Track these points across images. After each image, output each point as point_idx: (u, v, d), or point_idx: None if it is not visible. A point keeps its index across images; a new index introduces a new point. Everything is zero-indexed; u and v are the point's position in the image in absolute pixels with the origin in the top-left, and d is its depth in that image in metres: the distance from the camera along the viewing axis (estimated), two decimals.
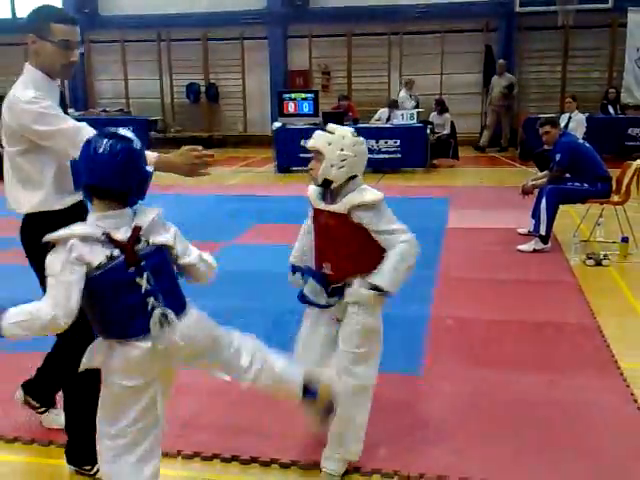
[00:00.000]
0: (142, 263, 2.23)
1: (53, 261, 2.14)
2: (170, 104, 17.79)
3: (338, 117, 12.53)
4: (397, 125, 12.45)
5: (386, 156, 12.13)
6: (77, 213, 2.59)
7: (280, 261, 6.27)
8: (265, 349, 2.56)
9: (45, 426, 3.37)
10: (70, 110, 16.85)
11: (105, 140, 2.21)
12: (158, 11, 16.62)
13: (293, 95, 13.02)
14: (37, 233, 2.26)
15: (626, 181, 6.55)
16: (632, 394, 3.54)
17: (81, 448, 2.92)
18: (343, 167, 2.87)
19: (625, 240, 6.22)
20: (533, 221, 6.73)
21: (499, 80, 14.50)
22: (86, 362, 2.28)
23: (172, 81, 17.59)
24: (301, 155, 12.44)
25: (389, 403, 3.51)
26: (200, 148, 3.03)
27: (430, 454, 3.07)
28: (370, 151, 12.00)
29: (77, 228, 2.19)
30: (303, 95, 13.01)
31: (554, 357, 4.10)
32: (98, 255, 2.15)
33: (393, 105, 13.17)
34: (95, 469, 2.86)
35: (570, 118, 10.24)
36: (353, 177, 2.93)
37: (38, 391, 3.30)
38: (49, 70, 2.79)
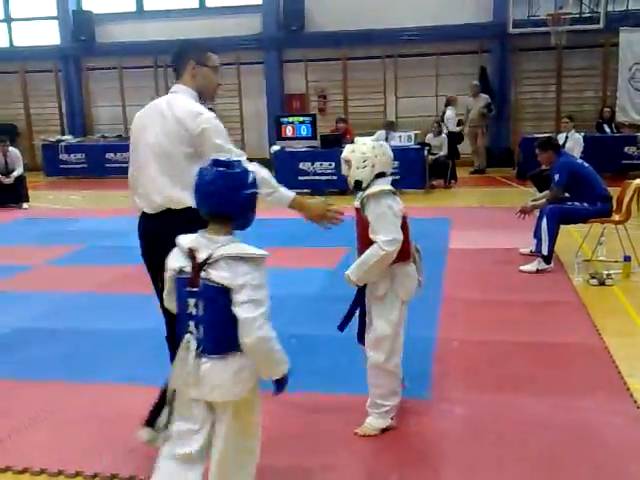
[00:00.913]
0: (197, 289, 2.35)
1: None
2: None
3: (336, 139, 12.62)
4: (395, 147, 12.47)
5: None
6: None
7: (285, 284, 6.31)
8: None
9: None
10: (68, 136, 17.07)
11: (208, 167, 2.41)
12: (154, 37, 16.76)
13: (291, 119, 13.10)
14: (188, 228, 2.50)
15: (626, 200, 6.58)
16: None
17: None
18: (366, 167, 3.41)
19: (628, 259, 6.24)
20: (535, 241, 6.76)
21: (475, 102, 14.45)
22: None
23: None
24: (300, 178, 12.52)
25: (399, 427, 3.50)
26: (335, 206, 3.43)
27: (443, 478, 3.06)
28: None
29: (180, 237, 2.47)
30: (301, 118, 13.09)
31: (562, 378, 4.09)
32: (177, 263, 2.42)
33: (389, 126, 13.25)
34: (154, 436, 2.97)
35: (567, 138, 10.32)
36: (380, 175, 3.44)
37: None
38: (204, 90, 3.27)
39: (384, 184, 3.40)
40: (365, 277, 3.38)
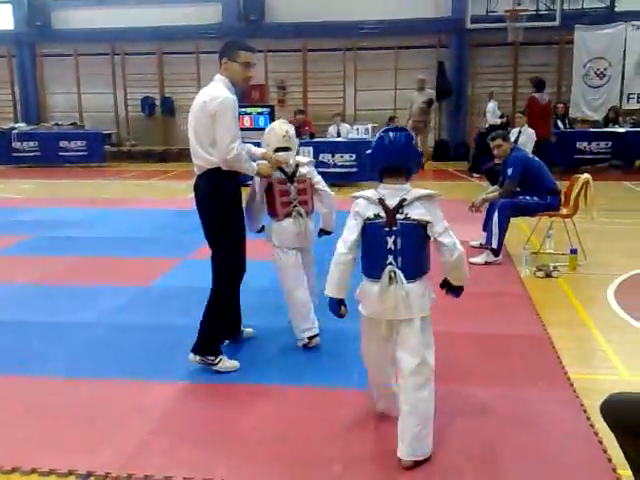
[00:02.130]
0: (395, 228, 3.01)
1: (349, 216, 3.18)
2: (125, 118, 17.63)
3: (295, 131, 12.58)
4: (352, 140, 12.55)
5: (342, 170, 12.22)
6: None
7: (262, 276, 6.25)
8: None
9: (222, 371, 4.08)
10: (21, 124, 16.72)
11: (384, 134, 3.11)
12: (112, 24, 16.52)
13: (249, 109, 13.03)
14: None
15: (574, 194, 6.71)
16: (582, 405, 3.61)
17: (208, 342, 4.09)
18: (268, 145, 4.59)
19: (574, 252, 6.37)
20: (485, 234, 6.86)
21: (419, 96, 14.47)
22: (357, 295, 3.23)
23: (126, 94, 17.45)
24: None
25: (346, 418, 3.53)
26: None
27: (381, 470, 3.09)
28: (326, 165, 12.12)
29: (365, 192, 3.13)
30: (259, 109, 13.05)
31: (505, 368, 4.17)
32: (370, 211, 3.07)
33: (338, 116, 13.37)
34: (217, 360, 4.08)
35: (520, 132, 10.46)
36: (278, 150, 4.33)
37: (205, 347, 4.10)
38: (234, 81, 4.09)
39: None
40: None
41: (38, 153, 15.93)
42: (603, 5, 14.96)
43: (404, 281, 3.01)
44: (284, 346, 4.57)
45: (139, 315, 5.23)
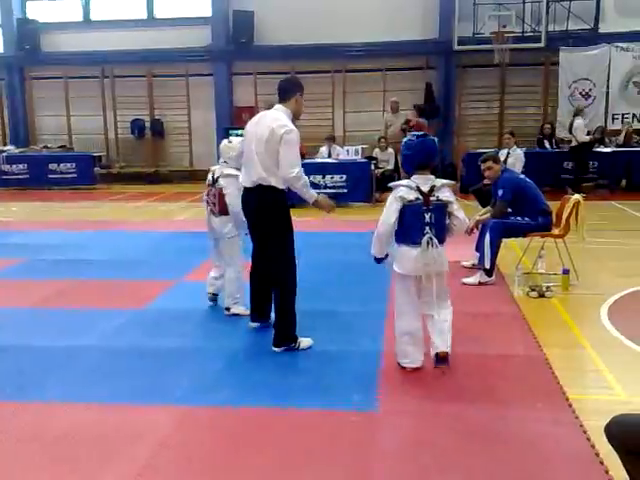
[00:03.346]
0: (431, 206, 4.20)
1: (389, 199, 4.29)
2: (114, 140, 17.65)
3: None
4: (342, 161, 12.63)
5: (332, 191, 12.24)
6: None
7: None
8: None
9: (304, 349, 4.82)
10: (10, 147, 16.68)
11: (423, 139, 4.33)
12: (101, 47, 16.59)
13: (240, 132, 13.04)
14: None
15: (565, 215, 6.77)
16: (581, 425, 3.63)
17: (287, 332, 4.79)
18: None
19: (566, 272, 6.42)
20: (477, 254, 6.90)
21: (395, 118, 14.46)
22: (388, 262, 4.40)
23: (116, 117, 17.48)
24: None
25: (347, 441, 3.53)
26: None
27: None
28: (316, 186, 12.15)
29: (403, 181, 4.30)
30: None
31: (503, 389, 4.18)
32: (411, 195, 4.19)
33: (330, 139, 13.39)
34: (297, 343, 4.81)
35: (509, 153, 10.57)
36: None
37: (286, 337, 4.80)
38: (297, 114, 4.84)
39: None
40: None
41: (27, 176, 15.91)
42: (587, 27, 15.20)
43: (439, 245, 4.20)
44: (282, 367, 4.57)
45: (135, 338, 5.21)
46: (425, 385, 4.28)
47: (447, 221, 4.33)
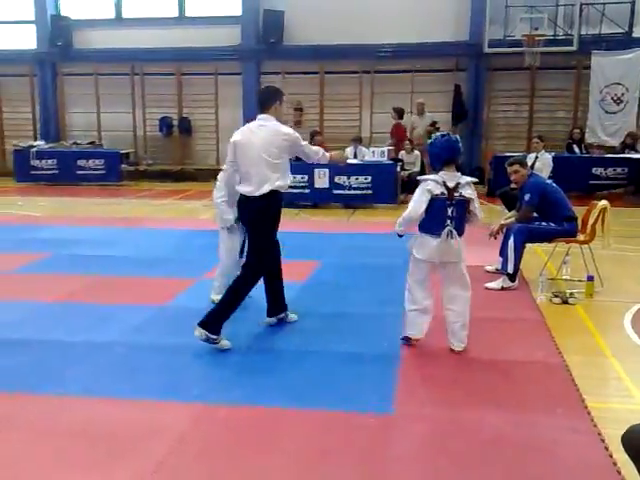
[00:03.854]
0: (454, 201, 4.57)
1: (417, 191, 4.64)
2: (142, 137, 17.80)
3: None
4: (368, 162, 12.61)
5: (357, 192, 12.26)
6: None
7: (255, 296, 6.31)
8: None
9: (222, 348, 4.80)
10: (40, 142, 16.92)
11: (448, 137, 4.74)
12: (132, 45, 16.73)
13: None
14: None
15: (591, 221, 6.69)
16: (599, 434, 3.58)
17: (217, 320, 4.79)
18: None
19: (591, 279, 6.34)
20: (501, 259, 6.84)
21: (420, 120, 14.45)
22: (409, 246, 4.80)
23: (145, 114, 17.62)
24: None
25: (362, 443, 3.52)
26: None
27: None
28: (341, 187, 12.17)
29: (431, 176, 4.65)
30: None
31: (523, 396, 4.14)
32: (437, 190, 4.57)
33: (357, 140, 13.36)
34: (219, 339, 4.79)
35: (537, 158, 10.47)
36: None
37: (212, 325, 4.78)
38: (278, 120, 5.02)
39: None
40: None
41: (56, 171, 16.12)
42: (621, 31, 14.97)
43: (457, 237, 4.60)
44: (299, 368, 4.57)
45: (155, 335, 5.25)
46: (442, 389, 4.26)
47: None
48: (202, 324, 4.77)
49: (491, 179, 13.48)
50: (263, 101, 5.01)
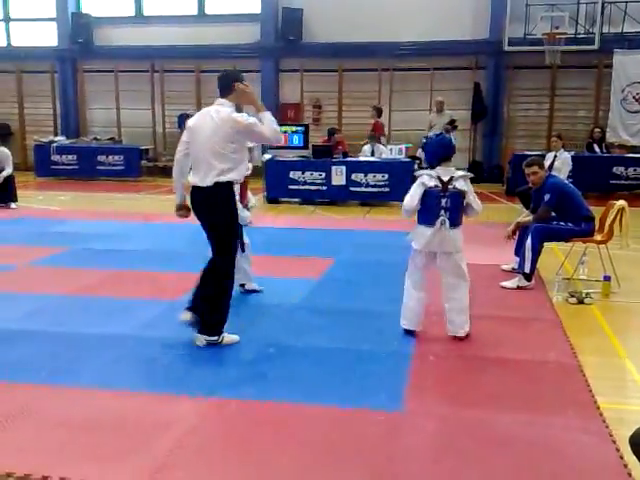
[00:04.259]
0: (447, 193, 4.82)
1: (414, 185, 4.94)
2: (162, 133, 17.90)
3: (327, 150, 12.68)
4: (385, 160, 12.58)
5: (374, 190, 12.23)
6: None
7: (269, 293, 6.35)
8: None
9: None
10: (60, 138, 17.07)
11: (442, 137, 6.13)
12: (152, 42, 16.82)
13: (284, 128, 13.12)
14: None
15: (609, 221, 6.63)
16: (611, 435, 3.54)
17: (216, 324, 4.78)
18: None
19: (607, 279, 6.28)
20: (517, 258, 6.80)
21: (439, 117, 14.35)
22: (408, 239, 5.05)
23: (164, 111, 17.72)
24: (290, 187, 12.56)
25: (370, 439, 3.52)
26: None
27: None
28: (358, 184, 12.15)
29: (425, 171, 4.98)
30: (294, 128, 13.15)
31: (534, 396, 4.11)
32: (431, 182, 4.85)
33: (372, 138, 13.33)
34: (221, 338, 4.80)
35: (556, 157, 10.36)
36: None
37: (211, 329, 4.78)
38: (241, 101, 4.93)
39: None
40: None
41: (76, 166, 16.26)
42: None
43: (452, 227, 4.85)
44: (310, 363, 4.58)
45: (168, 329, 5.27)
46: (454, 388, 4.24)
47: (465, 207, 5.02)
48: (200, 331, 4.80)
49: (510, 177, 13.38)
50: (222, 86, 4.79)
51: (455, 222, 4.88)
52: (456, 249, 4.93)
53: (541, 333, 5.29)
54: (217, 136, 4.58)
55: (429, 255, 4.96)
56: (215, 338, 4.78)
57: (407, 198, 4.95)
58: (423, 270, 5.03)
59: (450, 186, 4.83)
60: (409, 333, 5.08)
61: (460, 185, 4.85)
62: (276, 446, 3.47)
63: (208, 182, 4.61)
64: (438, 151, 5.02)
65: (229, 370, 4.49)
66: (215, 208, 4.70)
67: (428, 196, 4.84)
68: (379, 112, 14.59)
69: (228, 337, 4.87)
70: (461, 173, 4.93)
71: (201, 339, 4.80)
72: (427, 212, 4.88)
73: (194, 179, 4.72)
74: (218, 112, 4.66)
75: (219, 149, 4.59)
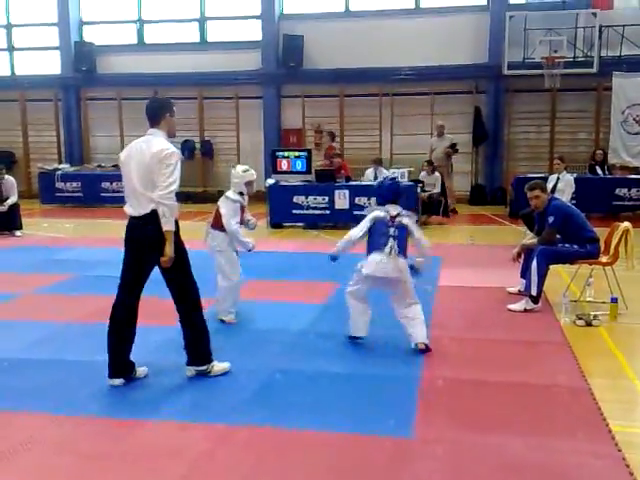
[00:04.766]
0: (394, 224, 5.29)
1: (364, 220, 5.41)
2: None
3: (330, 174, 12.73)
4: None
5: None
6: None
7: (275, 318, 6.33)
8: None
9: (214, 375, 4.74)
10: (65, 165, 17.15)
11: (393, 182, 5.63)
12: (154, 70, 16.99)
13: (286, 153, 13.21)
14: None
15: (614, 242, 6.63)
16: (624, 459, 3.52)
17: (204, 352, 4.73)
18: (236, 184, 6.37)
19: (614, 300, 6.26)
20: (523, 281, 6.79)
21: (440, 141, 14.40)
22: (359, 266, 5.40)
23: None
24: (294, 211, 12.60)
25: (379, 466, 3.49)
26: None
27: None
28: (362, 208, 12.14)
29: (376, 209, 5.45)
30: (296, 153, 13.20)
31: (545, 420, 4.08)
32: (381, 214, 5.32)
33: (377, 162, 13.38)
34: (211, 367, 4.73)
35: (558, 179, 10.41)
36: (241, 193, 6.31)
37: (197, 356, 4.73)
38: (171, 133, 4.70)
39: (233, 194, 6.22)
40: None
41: (80, 194, 16.32)
42: None
43: (400, 256, 5.26)
44: (318, 389, 4.56)
45: (175, 355, 5.24)
46: (463, 412, 4.21)
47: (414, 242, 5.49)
48: (189, 363, 4.77)
49: (513, 200, 13.42)
50: (151, 115, 4.64)
51: (402, 251, 5.30)
52: (406, 278, 5.31)
53: (550, 356, 5.26)
54: (145, 166, 4.50)
55: (376, 281, 5.33)
56: (204, 368, 4.74)
57: (355, 229, 5.41)
58: (365, 291, 5.49)
59: (397, 219, 5.32)
60: (356, 339, 5.54)
61: (405, 221, 5.35)
62: (287, 473, 3.45)
63: (143, 212, 4.54)
64: (388, 195, 5.47)
65: (237, 397, 4.46)
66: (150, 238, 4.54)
67: (378, 225, 5.32)
68: (332, 136, 14.86)
69: (218, 366, 4.81)
70: (406, 212, 5.46)
71: (191, 370, 4.77)
72: (378, 239, 5.31)
73: (127, 209, 4.66)
74: (148, 143, 4.56)
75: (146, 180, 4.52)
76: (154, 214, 4.47)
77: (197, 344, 4.75)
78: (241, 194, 6.19)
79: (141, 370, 4.80)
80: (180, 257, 4.66)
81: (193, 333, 4.75)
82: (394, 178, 5.86)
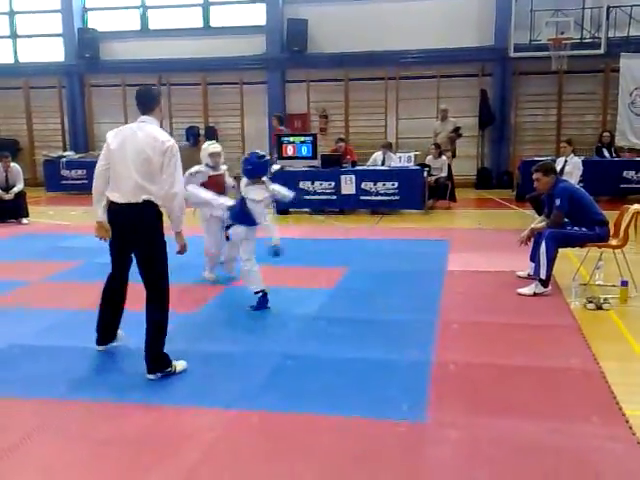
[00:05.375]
0: None
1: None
2: None
3: (336, 160, 12.68)
4: (395, 168, 12.56)
5: (384, 198, 12.21)
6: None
7: (284, 303, 6.33)
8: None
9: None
10: (69, 153, 17.11)
11: (256, 155, 5.96)
12: (158, 56, 16.91)
13: (292, 138, 13.14)
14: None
15: (624, 225, 6.59)
16: (638, 442, 3.51)
17: (164, 355, 4.54)
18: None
19: (625, 284, 6.23)
20: (532, 264, 6.76)
21: (443, 125, 14.27)
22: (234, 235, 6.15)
23: (172, 124, 17.76)
24: (300, 197, 12.55)
25: (393, 450, 3.49)
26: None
27: None
28: (368, 193, 12.14)
29: (251, 187, 5.98)
30: (302, 138, 13.13)
31: (557, 403, 4.08)
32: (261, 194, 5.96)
33: (386, 147, 13.29)
34: (173, 367, 4.55)
35: (566, 162, 10.35)
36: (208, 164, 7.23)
37: (161, 363, 4.53)
38: (159, 123, 4.71)
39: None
40: None
41: (86, 181, 16.24)
42: None
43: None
44: (330, 374, 4.55)
45: (185, 341, 5.26)
46: (476, 396, 4.20)
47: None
48: (150, 370, 4.52)
49: (519, 184, 13.36)
50: (147, 102, 4.65)
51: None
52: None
53: (561, 339, 5.25)
54: (146, 154, 4.48)
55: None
56: (169, 370, 4.56)
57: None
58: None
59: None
60: (263, 292, 5.99)
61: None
62: (299, 457, 3.45)
63: (138, 199, 4.52)
64: (261, 170, 6.05)
65: (248, 382, 4.45)
66: (142, 226, 4.67)
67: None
68: (279, 120, 14.49)
69: (179, 364, 4.64)
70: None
71: (157, 375, 4.54)
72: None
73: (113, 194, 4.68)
74: (149, 130, 4.55)
75: (145, 168, 4.53)
76: (145, 204, 4.49)
77: (157, 344, 4.58)
78: (207, 165, 7.07)
79: (120, 334, 5.09)
80: (160, 246, 4.76)
81: (154, 330, 4.63)
82: (263, 156, 6.02)
